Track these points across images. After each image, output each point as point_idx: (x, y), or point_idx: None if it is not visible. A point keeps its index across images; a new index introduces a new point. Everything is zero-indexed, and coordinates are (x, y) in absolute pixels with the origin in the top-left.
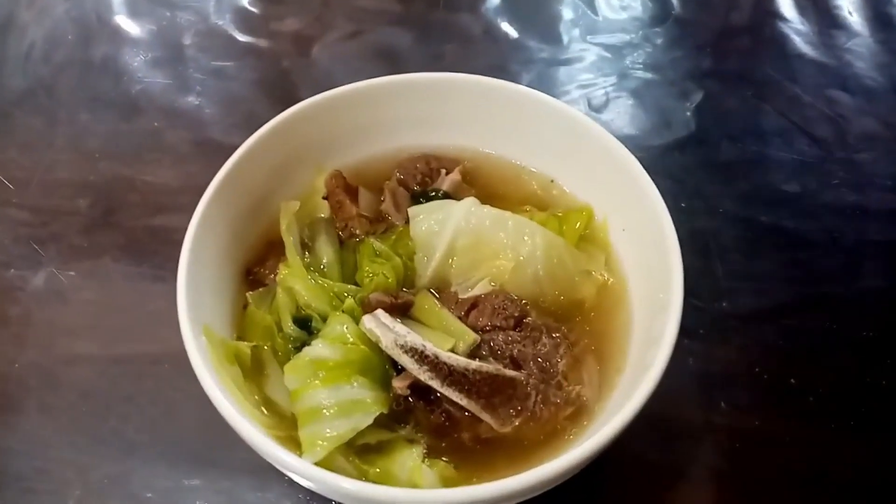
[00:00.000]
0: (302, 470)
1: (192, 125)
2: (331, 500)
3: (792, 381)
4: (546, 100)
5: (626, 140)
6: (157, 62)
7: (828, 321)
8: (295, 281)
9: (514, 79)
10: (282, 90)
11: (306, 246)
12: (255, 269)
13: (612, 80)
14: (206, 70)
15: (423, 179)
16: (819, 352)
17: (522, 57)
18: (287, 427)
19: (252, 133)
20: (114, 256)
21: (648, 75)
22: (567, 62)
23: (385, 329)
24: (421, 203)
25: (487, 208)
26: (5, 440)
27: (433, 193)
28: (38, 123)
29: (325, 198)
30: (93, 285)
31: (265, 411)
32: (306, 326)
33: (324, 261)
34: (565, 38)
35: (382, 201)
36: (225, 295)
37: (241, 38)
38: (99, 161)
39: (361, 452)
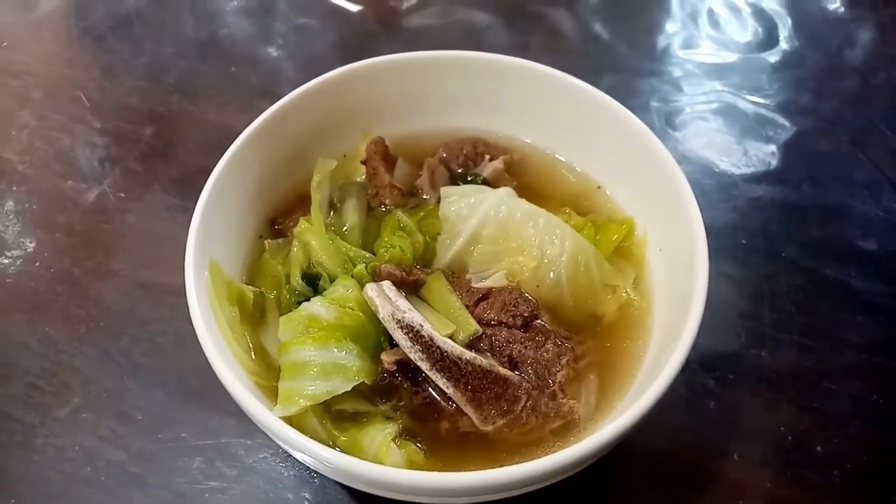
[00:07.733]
0: (261, 417)
1: (265, 76)
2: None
3: (819, 448)
4: (608, 103)
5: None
6: (247, 10)
7: (873, 394)
8: (312, 236)
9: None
10: (360, 56)
11: (334, 206)
12: (281, 220)
13: (698, 98)
14: (291, 25)
15: (466, 162)
16: (856, 424)
17: (608, 61)
18: (272, 378)
19: None
20: (164, 186)
21: (737, 101)
22: (654, 73)
23: (385, 300)
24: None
25: (521, 201)
26: (24, 336)
27: (472, 178)
28: (125, 50)
29: (363, 162)
30: (138, 210)
31: (253, 356)
32: (314, 283)
33: (347, 224)
34: (658, 49)
35: (420, 176)
36: (245, 238)
37: None
38: (171, 94)
39: (336, 419)
